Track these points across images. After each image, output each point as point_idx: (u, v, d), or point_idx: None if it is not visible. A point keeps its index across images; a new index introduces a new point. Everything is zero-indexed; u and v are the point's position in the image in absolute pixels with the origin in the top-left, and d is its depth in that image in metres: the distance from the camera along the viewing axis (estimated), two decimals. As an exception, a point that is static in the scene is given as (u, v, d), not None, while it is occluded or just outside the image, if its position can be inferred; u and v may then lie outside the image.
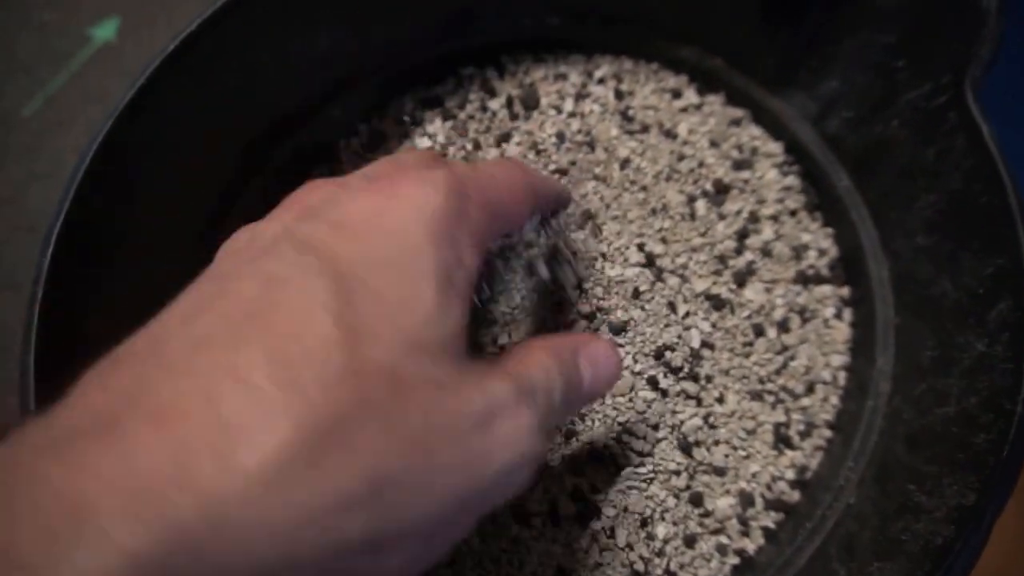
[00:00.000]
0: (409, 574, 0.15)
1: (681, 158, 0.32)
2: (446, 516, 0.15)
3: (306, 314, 0.14)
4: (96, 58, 0.48)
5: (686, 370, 0.28)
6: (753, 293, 0.30)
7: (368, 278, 0.15)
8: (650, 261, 0.29)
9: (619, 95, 0.33)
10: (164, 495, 0.11)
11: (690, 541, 0.26)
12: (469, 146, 0.33)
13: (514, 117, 0.33)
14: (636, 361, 0.28)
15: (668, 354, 0.28)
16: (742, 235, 0.31)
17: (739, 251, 0.30)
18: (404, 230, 0.16)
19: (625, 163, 0.31)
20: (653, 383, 0.27)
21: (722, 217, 0.31)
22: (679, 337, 0.28)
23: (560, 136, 0.32)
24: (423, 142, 0.33)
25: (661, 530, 0.26)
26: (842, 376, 0.29)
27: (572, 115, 0.32)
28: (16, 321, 0.38)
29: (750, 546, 0.27)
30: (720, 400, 0.28)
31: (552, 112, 0.33)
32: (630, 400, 0.27)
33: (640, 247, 0.30)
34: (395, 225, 0.16)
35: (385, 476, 0.13)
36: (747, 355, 0.29)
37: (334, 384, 0.13)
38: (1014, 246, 0.22)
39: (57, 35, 0.48)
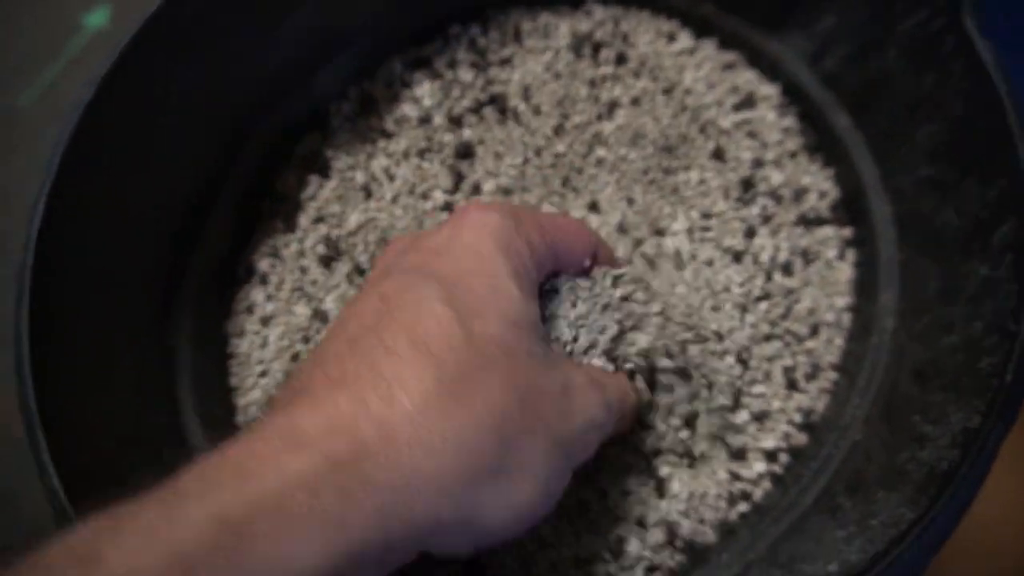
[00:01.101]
0: (524, 519, 0.18)
1: (684, 108, 0.31)
2: (549, 458, 0.18)
3: (424, 306, 0.18)
4: (90, 46, 0.48)
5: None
6: (762, 239, 0.29)
7: (461, 281, 0.19)
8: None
9: (615, 38, 0.33)
10: (352, 425, 0.16)
11: (697, 486, 0.26)
12: (458, 109, 0.32)
13: (502, 69, 0.32)
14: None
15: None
16: (748, 183, 0.30)
17: (751, 199, 0.30)
18: (477, 244, 0.20)
19: (615, 108, 0.31)
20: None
21: (728, 167, 0.30)
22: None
23: (551, 80, 0.32)
24: (410, 109, 0.33)
25: (665, 470, 0.26)
26: (846, 317, 0.29)
27: (559, 63, 0.32)
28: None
29: (757, 492, 0.26)
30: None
31: (541, 62, 0.32)
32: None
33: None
34: (469, 242, 0.20)
35: (503, 413, 0.17)
36: (760, 301, 0.28)
37: (456, 348, 0.17)
38: (1015, 166, 0.21)
39: (50, 25, 0.48)
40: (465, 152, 0.32)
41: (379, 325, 0.18)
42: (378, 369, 0.17)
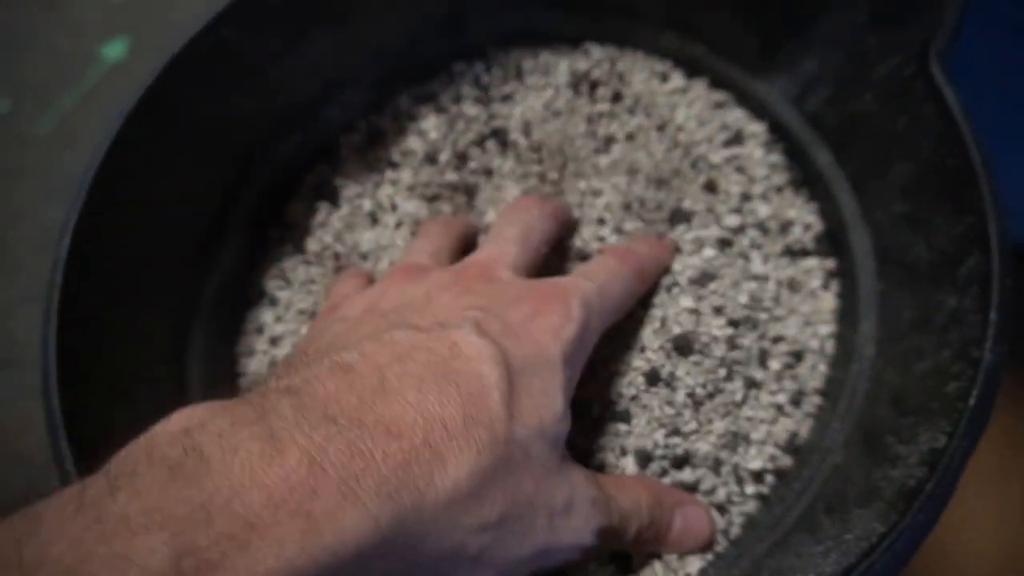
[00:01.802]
0: None
1: (676, 144, 0.33)
2: (522, 561, 0.20)
3: (485, 389, 0.19)
4: (107, 77, 0.50)
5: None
6: (755, 268, 0.31)
7: (522, 377, 0.20)
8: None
9: (612, 77, 0.34)
10: (397, 490, 0.17)
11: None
12: (462, 142, 0.34)
13: (504, 105, 0.34)
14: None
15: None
16: (737, 213, 0.32)
17: (741, 229, 0.31)
18: (547, 347, 0.21)
19: (611, 143, 0.33)
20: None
21: (719, 199, 0.32)
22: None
23: (551, 117, 0.33)
24: (416, 143, 0.34)
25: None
26: (830, 344, 0.30)
27: (558, 100, 0.34)
28: (36, 332, 0.40)
29: (745, 509, 0.28)
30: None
31: (542, 98, 0.34)
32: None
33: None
34: (542, 341, 0.21)
35: (508, 516, 0.19)
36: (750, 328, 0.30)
37: (496, 445, 0.19)
38: (979, 204, 0.23)
39: (68, 55, 0.50)
40: (468, 184, 0.34)
41: (440, 381, 0.19)
42: (430, 436, 0.18)
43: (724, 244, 0.31)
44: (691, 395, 0.27)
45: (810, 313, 0.30)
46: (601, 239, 0.32)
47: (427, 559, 0.18)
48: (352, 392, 0.18)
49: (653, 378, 0.28)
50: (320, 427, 0.17)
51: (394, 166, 0.35)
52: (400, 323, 0.22)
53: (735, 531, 0.27)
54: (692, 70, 0.35)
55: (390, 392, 0.18)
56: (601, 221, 0.32)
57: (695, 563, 0.25)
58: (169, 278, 0.30)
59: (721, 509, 0.27)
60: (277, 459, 0.16)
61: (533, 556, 0.20)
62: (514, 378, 0.20)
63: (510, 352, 0.20)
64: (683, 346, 0.28)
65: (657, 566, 0.25)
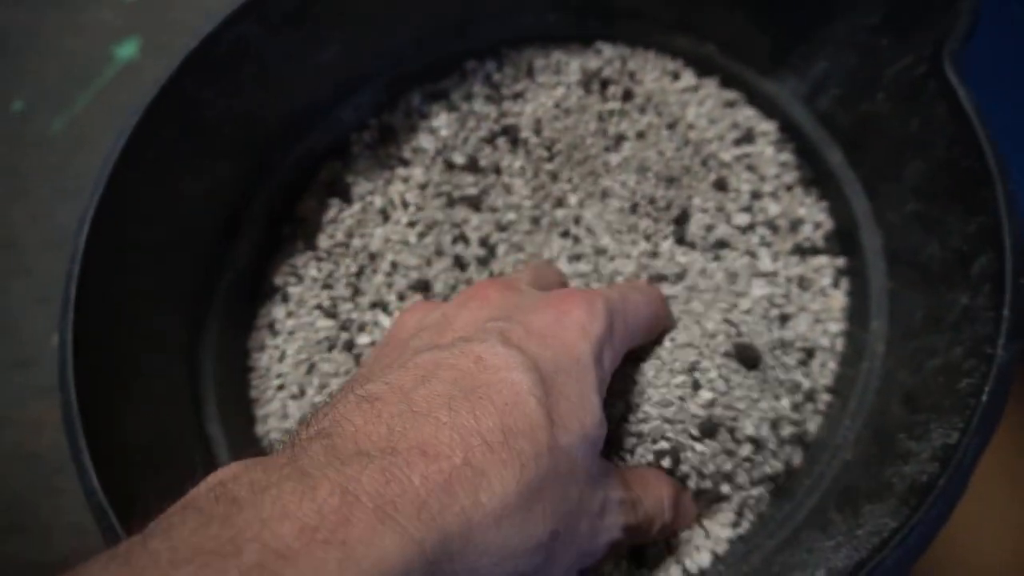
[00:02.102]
0: None
1: (686, 142, 0.33)
2: (568, 569, 0.20)
3: (521, 397, 0.18)
4: (119, 77, 0.50)
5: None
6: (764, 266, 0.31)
7: (556, 381, 0.20)
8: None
9: (623, 76, 0.34)
10: (440, 512, 0.16)
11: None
12: (473, 139, 0.34)
13: (515, 103, 0.34)
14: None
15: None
16: (747, 211, 0.32)
17: (751, 227, 0.31)
18: (575, 346, 0.21)
19: (622, 141, 0.33)
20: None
21: (729, 198, 0.32)
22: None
23: (562, 115, 0.33)
24: (427, 140, 0.34)
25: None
26: (839, 342, 0.30)
27: (569, 99, 0.34)
28: (48, 332, 0.40)
29: (758, 507, 0.28)
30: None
31: (553, 96, 0.34)
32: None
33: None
34: (569, 341, 0.21)
35: (554, 532, 0.18)
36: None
37: (540, 455, 0.18)
38: (993, 203, 0.23)
39: (81, 55, 0.50)
40: (478, 188, 0.34)
41: (471, 396, 0.18)
42: (470, 455, 0.17)
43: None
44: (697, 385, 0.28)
45: (820, 311, 0.31)
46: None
47: None
48: (381, 422, 0.17)
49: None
50: (352, 462, 0.16)
51: (405, 163, 0.35)
52: (422, 347, 0.21)
53: (745, 527, 0.27)
54: (703, 69, 0.35)
55: (419, 415, 0.18)
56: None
57: (706, 558, 0.26)
58: (184, 273, 0.31)
59: (730, 504, 0.27)
60: (308, 494, 0.15)
61: (575, 564, 0.20)
62: (548, 383, 0.19)
63: (539, 357, 0.20)
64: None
65: (669, 561, 0.25)
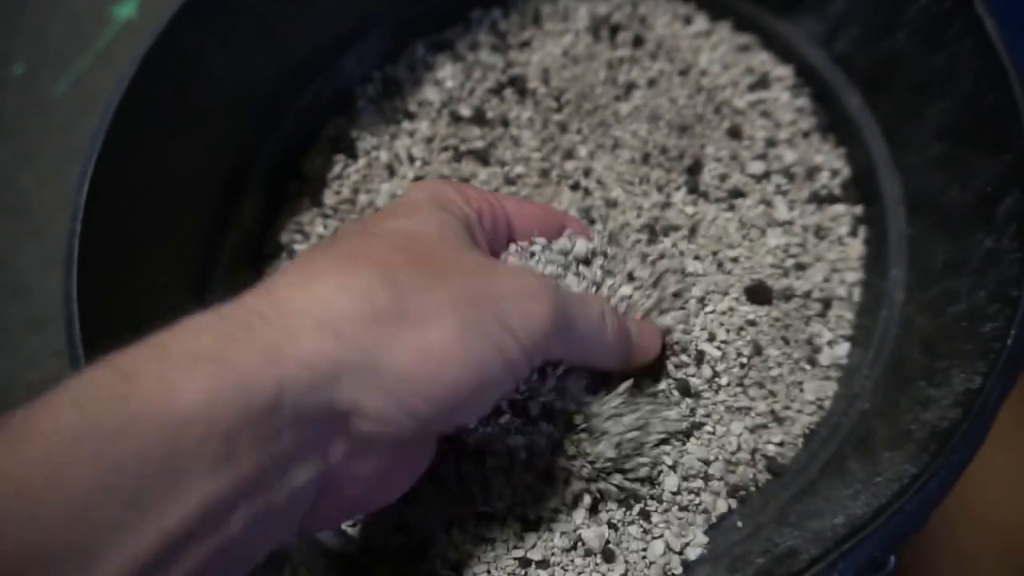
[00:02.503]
0: (439, 362, 0.18)
1: (699, 89, 0.32)
2: (458, 309, 0.19)
3: (386, 248, 0.20)
4: (119, 37, 0.49)
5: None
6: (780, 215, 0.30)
7: (392, 215, 0.22)
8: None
9: (633, 21, 0.33)
10: (338, 325, 0.17)
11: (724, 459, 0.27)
12: (480, 91, 0.33)
13: (522, 52, 0.33)
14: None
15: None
16: (762, 159, 0.31)
17: (766, 176, 0.31)
18: (416, 199, 0.22)
19: (632, 89, 0.32)
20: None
21: (743, 146, 0.31)
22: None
23: (570, 63, 0.32)
24: (432, 92, 0.34)
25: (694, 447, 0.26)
26: (857, 292, 0.29)
27: (577, 46, 0.33)
28: (61, 294, 0.40)
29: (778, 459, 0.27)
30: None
31: (561, 44, 0.33)
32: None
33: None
34: (410, 202, 0.22)
35: (392, 267, 0.19)
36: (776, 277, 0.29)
37: (351, 235, 0.20)
38: (1020, 140, 0.22)
39: (81, 17, 0.49)
40: (485, 141, 0.33)
41: (357, 249, 0.20)
42: (354, 278, 0.18)
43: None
44: (712, 339, 0.27)
45: (837, 260, 0.30)
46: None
47: None
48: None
49: None
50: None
51: (411, 116, 0.34)
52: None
53: (762, 478, 0.26)
54: (716, 12, 0.33)
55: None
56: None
57: (722, 505, 0.25)
58: (188, 232, 0.30)
59: (742, 456, 0.27)
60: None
61: (469, 303, 0.19)
62: (406, 248, 0.20)
63: (389, 232, 0.21)
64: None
65: (668, 534, 0.25)
